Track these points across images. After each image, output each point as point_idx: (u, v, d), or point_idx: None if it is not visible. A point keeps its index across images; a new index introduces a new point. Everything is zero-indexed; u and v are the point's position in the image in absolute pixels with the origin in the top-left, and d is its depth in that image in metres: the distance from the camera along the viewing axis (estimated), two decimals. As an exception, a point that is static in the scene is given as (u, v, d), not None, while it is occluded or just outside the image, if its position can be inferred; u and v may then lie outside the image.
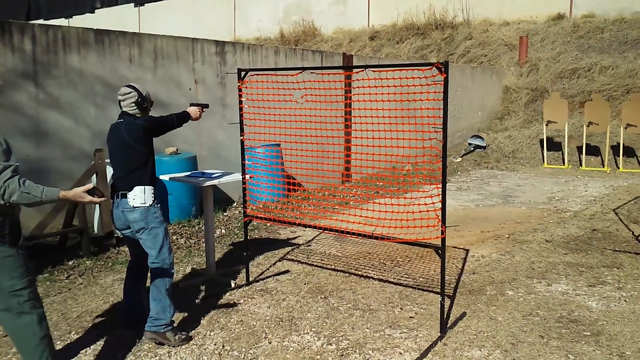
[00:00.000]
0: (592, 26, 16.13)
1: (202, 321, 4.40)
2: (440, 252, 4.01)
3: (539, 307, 4.63)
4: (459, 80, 13.68)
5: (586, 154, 12.29)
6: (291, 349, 3.94)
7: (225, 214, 7.80)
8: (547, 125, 12.76)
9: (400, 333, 4.16)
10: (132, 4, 25.35)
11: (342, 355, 3.84)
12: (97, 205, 6.38)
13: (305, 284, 5.23)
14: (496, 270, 5.57)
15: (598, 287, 5.08)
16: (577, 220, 7.56)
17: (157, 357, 3.83)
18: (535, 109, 14.72)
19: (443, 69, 3.75)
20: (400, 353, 3.86)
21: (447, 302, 4.67)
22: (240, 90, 5.07)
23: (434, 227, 4.12)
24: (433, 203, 4.09)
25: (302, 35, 20.57)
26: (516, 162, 12.89)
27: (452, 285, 5.14)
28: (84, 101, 6.61)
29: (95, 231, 6.51)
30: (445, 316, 4.22)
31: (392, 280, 5.31)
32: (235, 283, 5.20)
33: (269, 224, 7.34)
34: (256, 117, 5.51)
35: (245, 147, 5.21)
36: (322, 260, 5.96)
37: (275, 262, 5.89)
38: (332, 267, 5.72)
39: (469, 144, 13.86)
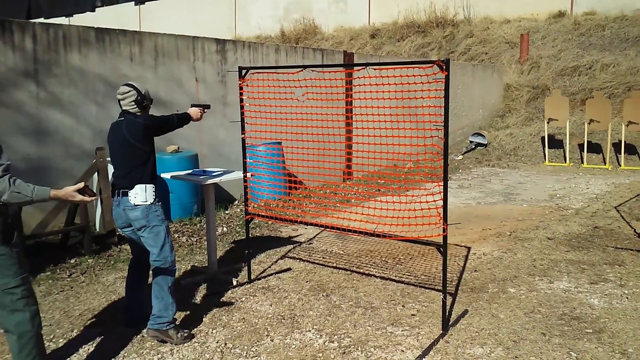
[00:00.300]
0: (593, 24, 16.11)
1: (204, 319, 4.40)
2: (441, 249, 4.01)
3: (540, 304, 4.63)
4: (460, 78, 13.67)
5: (588, 151, 12.28)
6: (293, 346, 3.94)
7: (226, 212, 7.81)
8: (548, 122, 12.75)
9: (402, 331, 4.16)
10: (133, 3, 25.35)
11: (344, 352, 3.84)
12: (99, 204, 6.38)
13: (307, 281, 5.23)
14: (498, 268, 5.56)
15: (600, 284, 5.08)
16: (579, 217, 7.56)
17: (159, 355, 3.83)
18: (536, 107, 14.71)
19: (444, 67, 3.75)
20: (402, 350, 3.86)
21: (449, 299, 4.67)
22: (241, 88, 5.07)
23: (436, 224, 4.12)
24: (434, 201, 4.09)
25: (303, 34, 20.57)
26: (517, 159, 12.89)
27: (453, 283, 5.14)
28: (85, 100, 6.61)
29: (97, 229, 6.51)
30: (447, 314, 4.22)
31: (393, 277, 5.31)
32: (237, 281, 5.21)
33: (270, 222, 7.34)
34: (257, 115, 5.51)
35: (246, 145, 5.21)
36: (323, 258, 5.96)
37: (277, 260, 5.89)
38: (334, 264, 5.72)
39: (470, 141, 13.85)
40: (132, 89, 3.96)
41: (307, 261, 5.84)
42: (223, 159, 8.04)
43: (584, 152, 12.24)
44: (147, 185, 3.90)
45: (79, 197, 3.02)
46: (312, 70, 4.73)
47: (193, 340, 4.04)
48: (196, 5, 23.35)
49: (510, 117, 15.06)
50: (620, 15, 15.98)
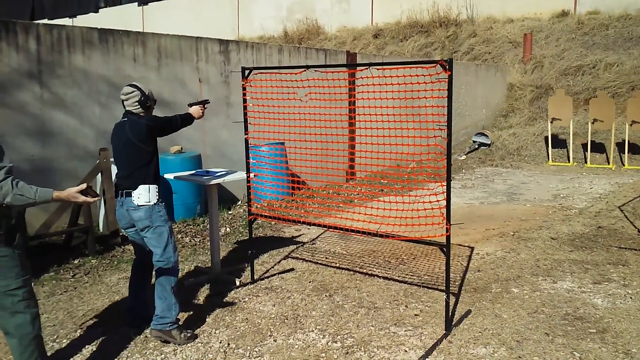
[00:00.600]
0: (596, 23, 16.06)
1: (207, 319, 4.40)
2: (445, 249, 4.00)
3: (544, 304, 4.62)
4: (463, 78, 13.65)
5: (591, 151, 12.25)
6: (296, 346, 3.95)
7: (229, 212, 7.81)
8: (551, 122, 12.72)
9: (405, 331, 4.16)
10: (136, 3, 25.38)
11: (347, 353, 3.84)
12: (102, 204, 6.40)
13: (310, 282, 5.24)
14: (501, 268, 5.56)
15: (604, 284, 5.07)
16: (583, 217, 7.54)
17: (162, 355, 3.84)
18: (539, 106, 14.68)
19: (447, 67, 3.74)
20: (406, 350, 3.86)
21: (452, 299, 4.67)
22: (244, 88, 5.07)
23: (439, 224, 4.12)
24: (438, 201, 4.08)
25: (306, 34, 20.57)
26: (521, 159, 12.86)
27: (457, 283, 5.14)
28: (89, 100, 6.62)
29: (101, 230, 6.53)
30: (450, 314, 4.22)
31: (396, 278, 5.31)
32: (240, 281, 5.21)
33: (273, 222, 7.34)
34: (260, 115, 5.51)
35: (249, 145, 5.22)
36: (326, 258, 5.96)
37: (280, 261, 5.90)
38: (337, 265, 5.72)
39: (474, 141, 13.84)
40: (135, 89, 3.96)
41: (310, 261, 5.84)
42: (226, 160, 8.05)
43: (587, 151, 12.21)
44: (150, 185, 3.91)
45: (82, 198, 3.04)
46: (315, 71, 4.72)
47: (196, 340, 4.05)
48: (199, 6, 23.38)
49: (514, 116, 15.03)
50: (624, 14, 15.93)
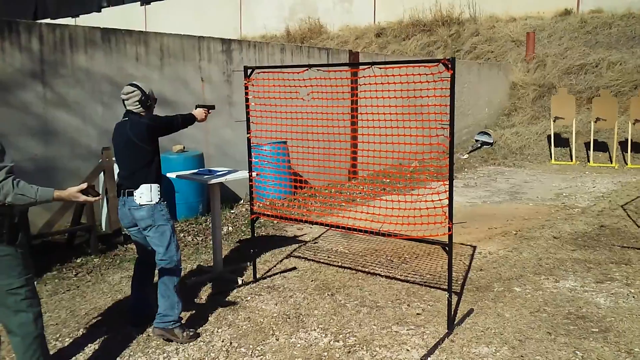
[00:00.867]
0: (599, 22, 16.04)
1: (209, 318, 4.41)
2: (447, 248, 4.00)
3: (546, 303, 4.62)
4: (465, 77, 13.64)
5: (594, 150, 12.23)
6: (298, 345, 3.95)
7: (232, 211, 7.82)
8: (554, 121, 12.71)
9: (407, 330, 4.16)
10: (139, 3, 25.42)
11: (349, 352, 3.84)
12: (105, 203, 6.41)
13: (312, 281, 5.24)
14: (503, 267, 5.55)
15: (606, 283, 5.06)
16: (585, 216, 7.53)
17: (165, 354, 3.84)
18: (542, 105, 14.66)
19: (450, 65, 3.74)
20: (408, 350, 3.86)
21: (454, 298, 4.67)
22: (246, 88, 5.07)
23: (441, 223, 4.12)
24: (440, 200, 4.08)
25: (308, 33, 20.57)
26: (523, 158, 12.85)
27: (459, 282, 5.13)
28: (91, 100, 6.64)
29: (103, 229, 6.54)
30: (452, 313, 4.22)
31: (399, 277, 5.31)
32: (242, 280, 5.22)
33: (275, 221, 7.35)
34: (263, 114, 5.52)
35: (251, 144, 5.22)
36: (329, 257, 5.97)
37: (282, 259, 5.90)
38: (339, 264, 5.72)
39: (476, 140, 13.82)
40: (136, 89, 3.97)
41: (313, 260, 5.84)
42: (229, 159, 8.06)
43: (590, 150, 12.19)
44: (152, 184, 3.92)
45: (83, 198, 3.04)
46: (318, 70, 4.73)
47: (198, 339, 4.05)
48: (202, 5, 23.40)
49: (516, 115, 15.02)
50: (627, 13, 15.90)
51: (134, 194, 3.90)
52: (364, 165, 5.93)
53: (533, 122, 14.36)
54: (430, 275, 5.35)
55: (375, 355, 3.78)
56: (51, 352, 3.71)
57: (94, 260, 5.77)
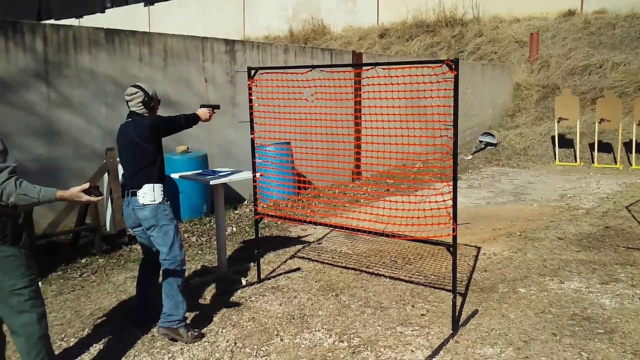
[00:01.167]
0: (603, 22, 15.99)
1: (214, 318, 4.41)
2: (451, 249, 3.99)
3: (551, 304, 4.61)
4: (469, 78, 13.62)
5: (598, 151, 12.20)
6: (303, 346, 3.95)
7: (236, 212, 7.82)
8: (558, 122, 12.68)
9: (411, 330, 4.16)
10: (142, 4, 25.44)
11: (354, 352, 3.84)
12: (110, 204, 6.41)
13: (316, 281, 5.24)
14: (508, 268, 5.54)
15: (611, 284, 5.04)
16: (590, 217, 7.51)
17: (170, 354, 3.85)
18: (546, 106, 14.63)
19: (453, 66, 3.74)
20: (412, 350, 3.85)
21: (459, 299, 4.65)
22: (250, 88, 5.08)
23: (445, 224, 4.11)
24: (444, 201, 4.07)
25: (312, 34, 20.56)
26: (527, 159, 12.82)
27: (463, 283, 5.12)
28: (95, 100, 6.65)
29: (108, 229, 6.54)
30: (457, 314, 4.21)
31: (403, 277, 5.30)
32: (246, 280, 5.22)
33: (279, 222, 7.35)
34: (266, 115, 5.52)
35: (255, 145, 5.22)
36: (333, 257, 5.96)
37: (286, 260, 5.90)
38: (343, 264, 5.72)
39: (480, 141, 13.80)
40: (139, 90, 3.98)
41: (317, 261, 5.84)
42: (232, 159, 8.06)
43: (594, 151, 12.16)
44: (155, 184, 3.92)
45: (85, 197, 3.03)
46: (321, 71, 4.72)
47: (203, 339, 4.06)
48: (205, 6, 23.41)
49: (520, 116, 14.99)
50: (631, 13, 15.85)
51: (137, 194, 3.91)
52: (368, 166, 5.92)
53: (537, 123, 14.33)
54: (435, 276, 5.34)
55: (379, 356, 3.77)
56: (56, 352, 3.72)
57: (99, 260, 5.78)
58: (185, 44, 7.61)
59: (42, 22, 9.34)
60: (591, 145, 12.48)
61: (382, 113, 5.12)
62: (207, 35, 8.09)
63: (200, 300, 4.83)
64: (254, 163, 5.22)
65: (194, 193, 7.25)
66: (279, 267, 5.69)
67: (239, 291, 4.99)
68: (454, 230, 3.94)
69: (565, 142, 13.06)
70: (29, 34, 6.08)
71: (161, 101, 4.31)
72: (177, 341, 3.99)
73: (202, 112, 4.42)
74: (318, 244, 6.52)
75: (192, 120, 4.29)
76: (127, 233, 6.24)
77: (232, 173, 5.28)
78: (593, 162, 12.09)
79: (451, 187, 3.93)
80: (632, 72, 13.93)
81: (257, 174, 5.25)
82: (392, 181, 9.55)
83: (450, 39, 17.78)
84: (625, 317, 4.34)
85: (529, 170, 11.80)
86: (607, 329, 4.13)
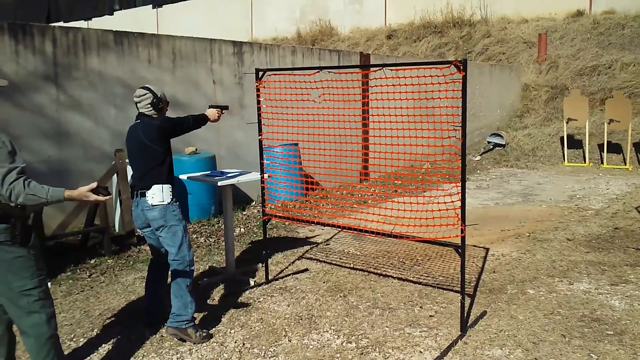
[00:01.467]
0: (612, 23, 15.90)
1: (222, 319, 4.42)
2: (460, 250, 3.99)
3: (560, 306, 4.59)
4: (477, 79, 13.58)
5: (607, 151, 12.13)
6: (311, 347, 3.95)
7: (244, 212, 7.84)
8: (567, 122, 12.62)
9: (420, 332, 4.15)
10: (150, 6, 25.56)
11: (362, 353, 3.83)
12: (119, 205, 6.45)
13: (324, 282, 5.24)
14: (517, 269, 5.52)
15: (621, 285, 5.01)
16: (599, 218, 7.47)
17: (178, 355, 3.86)
18: (555, 107, 14.56)
19: (461, 67, 3.73)
20: (421, 352, 3.84)
21: (468, 300, 4.64)
22: (258, 90, 5.09)
23: (454, 225, 4.10)
24: (452, 202, 4.07)
25: (319, 35, 20.58)
26: (536, 160, 12.77)
27: (472, 284, 5.11)
28: (104, 102, 6.68)
29: (117, 230, 6.58)
30: (465, 315, 4.20)
31: (411, 279, 5.29)
32: (254, 281, 5.23)
33: (287, 223, 7.36)
34: (274, 116, 5.53)
35: (263, 146, 5.23)
36: (341, 259, 5.96)
37: (294, 261, 5.91)
38: (351, 265, 5.72)
39: (488, 142, 13.76)
40: (147, 91, 4.01)
41: (324, 262, 5.84)
42: (241, 161, 8.08)
43: (603, 152, 12.09)
44: (164, 185, 3.94)
45: (93, 197, 3.04)
46: (329, 72, 4.73)
47: (211, 340, 4.07)
48: (213, 8, 23.48)
49: (529, 117, 14.93)
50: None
51: (146, 194, 3.93)
52: (376, 167, 5.92)
53: (545, 124, 14.27)
54: (443, 277, 5.33)
55: (387, 357, 3.77)
56: (65, 353, 3.75)
57: (108, 261, 5.81)
58: (194, 46, 7.64)
59: (51, 24, 9.40)
60: (600, 146, 12.42)
61: (390, 114, 5.12)
62: (215, 37, 8.12)
63: (208, 300, 4.84)
64: (262, 164, 5.23)
65: (203, 194, 7.27)
66: (286, 267, 5.69)
67: (247, 292, 5.00)
68: (462, 231, 3.93)
69: (574, 142, 13.00)
70: (39, 37, 6.13)
71: (170, 103, 4.33)
72: (185, 341, 4.00)
73: (211, 113, 4.44)
74: (326, 244, 6.53)
75: (200, 120, 4.30)
76: (136, 234, 6.27)
77: (240, 174, 5.30)
78: (602, 162, 12.03)
79: (459, 188, 3.92)
80: (641, 73, 13.84)
81: (265, 175, 5.26)
82: (400, 182, 9.54)
83: (458, 40, 17.74)
84: (635, 318, 4.31)
85: (537, 171, 11.75)
86: (617, 331, 4.10)
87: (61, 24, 25.13)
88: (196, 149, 7.27)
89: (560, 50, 15.72)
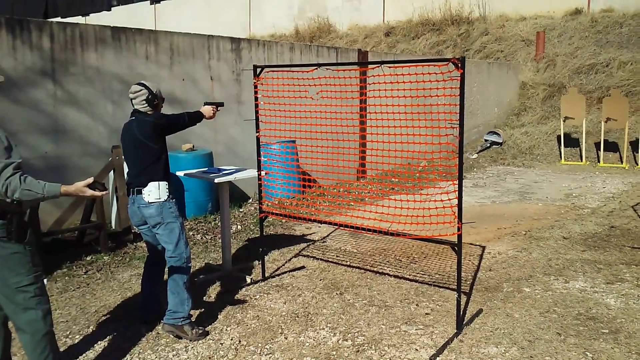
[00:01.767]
0: (610, 21, 15.91)
1: (218, 316, 4.42)
2: (456, 248, 3.99)
3: (556, 304, 4.60)
4: (475, 76, 13.59)
5: (604, 150, 12.15)
6: (307, 344, 3.95)
7: (240, 210, 7.84)
8: (564, 121, 12.63)
9: (416, 329, 4.16)
10: (148, 2, 25.50)
11: (358, 351, 3.84)
12: (115, 201, 6.44)
13: (320, 280, 5.24)
14: (513, 267, 5.53)
15: (616, 284, 5.03)
16: (595, 217, 7.48)
17: (174, 352, 3.86)
18: (552, 105, 14.58)
19: (459, 65, 3.73)
20: (416, 349, 3.85)
21: (464, 298, 4.65)
22: (255, 86, 5.08)
23: (450, 223, 4.10)
24: (449, 199, 4.07)
25: (317, 32, 20.56)
26: (533, 158, 12.79)
27: (468, 282, 5.12)
28: (101, 98, 6.67)
29: (113, 227, 6.57)
30: (461, 313, 4.21)
31: (407, 276, 5.30)
32: (251, 279, 5.23)
33: (284, 220, 7.36)
34: (271, 113, 5.52)
35: (260, 143, 5.23)
36: (337, 256, 5.97)
37: (291, 258, 5.91)
38: (348, 263, 5.72)
39: (485, 140, 13.77)
40: (143, 88, 3.99)
41: (321, 259, 5.85)
42: (238, 157, 8.08)
43: (600, 150, 12.11)
44: (160, 182, 3.94)
45: (90, 192, 3.03)
46: (327, 69, 4.72)
47: (208, 337, 4.07)
48: (211, 4, 23.44)
49: (526, 115, 14.94)
50: (638, 12, 15.75)
51: (143, 191, 3.92)
52: (373, 164, 5.92)
53: (543, 122, 14.28)
54: (439, 275, 5.33)
55: (383, 355, 3.78)
56: (61, 349, 3.75)
57: (104, 258, 5.80)
58: (191, 42, 7.63)
59: (48, 20, 9.37)
60: (597, 145, 12.43)
61: (388, 111, 5.12)
62: (213, 34, 8.10)
63: (204, 298, 4.84)
64: (259, 161, 5.23)
65: (199, 191, 7.26)
66: (283, 265, 5.69)
67: (244, 289, 5.00)
68: (458, 229, 3.93)
69: (571, 141, 13.01)
70: (36, 32, 6.11)
71: (167, 99, 4.32)
72: (181, 338, 4.00)
73: (206, 110, 4.43)
74: (323, 242, 6.53)
75: (195, 118, 4.29)
76: (133, 231, 6.26)
77: (237, 171, 5.30)
78: (599, 161, 12.05)
79: (456, 185, 3.92)
80: (639, 71, 13.84)
81: (262, 172, 5.26)
82: (397, 180, 9.55)
83: (456, 38, 17.74)
84: (631, 317, 4.33)
85: (534, 169, 11.76)
86: (612, 329, 4.12)
87: (59, 19, 25.08)
88: (193, 146, 7.26)
89: (558, 49, 15.72)
